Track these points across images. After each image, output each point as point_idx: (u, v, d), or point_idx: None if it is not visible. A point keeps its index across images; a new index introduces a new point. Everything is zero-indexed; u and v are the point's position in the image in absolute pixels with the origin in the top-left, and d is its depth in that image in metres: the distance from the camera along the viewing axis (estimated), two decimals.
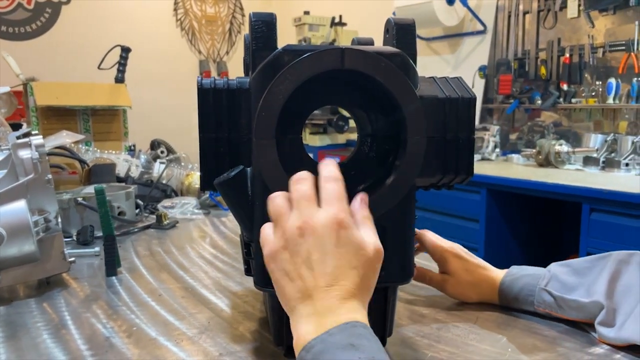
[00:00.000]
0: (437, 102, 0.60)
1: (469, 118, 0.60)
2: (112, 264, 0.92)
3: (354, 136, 3.45)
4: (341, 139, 3.44)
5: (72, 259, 0.88)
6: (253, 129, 0.56)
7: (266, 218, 0.58)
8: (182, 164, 1.73)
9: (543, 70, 2.82)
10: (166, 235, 1.25)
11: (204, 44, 4.53)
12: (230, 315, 0.76)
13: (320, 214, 0.48)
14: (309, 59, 0.55)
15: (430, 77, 0.64)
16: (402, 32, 0.60)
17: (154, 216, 1.39)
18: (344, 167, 0.66)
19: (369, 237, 0.49)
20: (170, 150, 1.91)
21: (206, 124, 0.61)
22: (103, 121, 1.93)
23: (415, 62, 0.60)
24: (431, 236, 0.81)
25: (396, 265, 0.60)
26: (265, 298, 0.72)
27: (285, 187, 0.56)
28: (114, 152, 1.68)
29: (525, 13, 2.93)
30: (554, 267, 0.74)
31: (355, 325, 0.43)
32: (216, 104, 0.60)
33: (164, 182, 1.57)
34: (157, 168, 1.64)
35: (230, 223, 1.40)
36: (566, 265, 0.73)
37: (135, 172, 1.61)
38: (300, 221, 0.47)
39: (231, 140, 0.61)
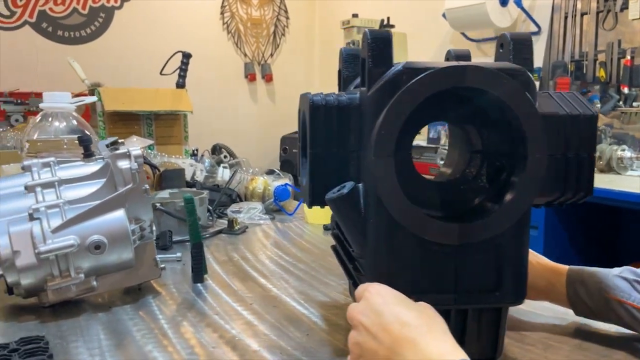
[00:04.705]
0: (558, 120, 0.58)
1: (591, 135, 0.59)
2: (199, 272, 0.93)
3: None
4: None
5: (163, 265, 0.90)
6: (370, 146, 0.56)
7: (379, 233, 0.58)
8: (244, 168, 1.75)
9: (602, 73, 2.73)
10: (238, 241, 1.26)
11: (249, 47, 4.57)
12: (325, 329, 0.76)
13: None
14: (430, 77, 0.55)
15: (544, 92, 0.62)
16: (519, 48, 0.59)
17: (223, 221, 1.41)
18: (452, 182, 0.66)
19: None
20: (231, 155, 1.94)
21: (317, 139, 0.61)
22: (165, 125, 1.97)
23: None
24: None
25: (511, 285, 0.59)
26: None
27: (401, 204, 0.56)
28: (180, 157, 1.72)
29: (583, 14, 2.84)
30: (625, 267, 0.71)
31: None
32: (327, 121, 0.61)
33: (227, 186, 1.59)
34: (221, 172, 1.67)
35: (296, 229, 1.40)
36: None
37: (200, 177, 1.63)
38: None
39: (340, 156, 0.61)
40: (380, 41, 0.57)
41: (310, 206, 0.64)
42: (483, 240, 0.57)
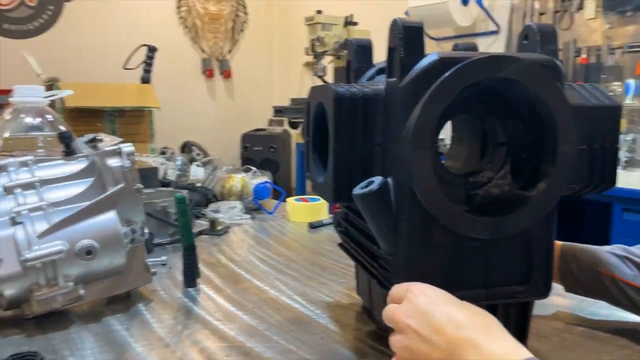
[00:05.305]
0: (587, 111, 0.58)
1: (615, 127, 0.59)
2: (192, 276, 0.88)
3: None
4: None
5: (154, 270, 0.84)
6: (406, 139, 0.54)
7: (414, 230, 0.55)
8: (217, 166, 1.69)
9: None
10: (222, 242, 1.21)
11: (207, 42, 4.46)
12: (337, 331, 0.73)
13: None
14: (469, 67, 0.52)
15: (566, 84, 0.61)
16: (545, 39, 0.58)
17: (200, 221, 1.35)
18: (470, 176, 0.64)
19: None
20: (203, 152, 1.87)
21: (341, 133, 0.58)
22: (130, 122, 1.88)
23: None
24: None
25: (539, 279, 0.59)
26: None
27: (438, 199, 0.53)
28: (149, 155, 1.63)
29: (541, 14, 2.94)
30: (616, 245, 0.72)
31: None
32: (351, 113, 0.58)
33: (204, 185, 1.53)
34: (194, 171, 1.60)
35: (278, 227, 1.37)
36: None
37: (172, 176, 1.56)
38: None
39: (365, 149, 0.59)
40: (412, 30, 0.54)
41: (333, 203, 0.61)
42: (514, 233, 0.56)
